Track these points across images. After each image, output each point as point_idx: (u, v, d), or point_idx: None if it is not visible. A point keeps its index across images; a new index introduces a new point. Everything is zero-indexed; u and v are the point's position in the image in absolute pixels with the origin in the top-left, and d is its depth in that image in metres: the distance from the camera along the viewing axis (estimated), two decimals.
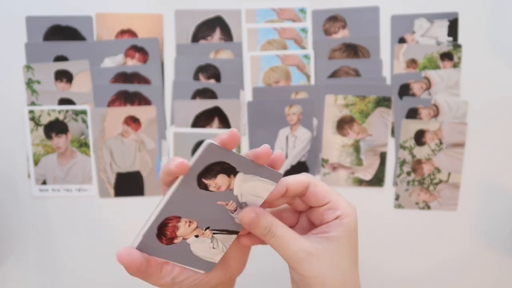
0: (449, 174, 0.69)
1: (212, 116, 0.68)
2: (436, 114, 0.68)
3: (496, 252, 0.69)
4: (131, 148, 0.68)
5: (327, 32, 0.68)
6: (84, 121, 0.67)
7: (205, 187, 0.30)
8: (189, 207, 0.30)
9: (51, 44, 0.67)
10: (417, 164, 0.69)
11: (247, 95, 0.68)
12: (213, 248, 0.33)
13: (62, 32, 0.67)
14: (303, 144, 0.68)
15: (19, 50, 0.66)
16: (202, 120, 0.68)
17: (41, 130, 0.67)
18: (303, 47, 0.68)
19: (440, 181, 0.69)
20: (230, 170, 0.30)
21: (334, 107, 0.68)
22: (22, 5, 0.66)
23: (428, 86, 0.68)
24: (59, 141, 0.68)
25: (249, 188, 0.31)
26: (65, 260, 0.69)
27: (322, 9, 0.68)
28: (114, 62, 0.67)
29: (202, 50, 0.68)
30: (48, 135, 0.67)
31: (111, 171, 0.68)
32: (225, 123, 0.68)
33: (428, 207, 0.69)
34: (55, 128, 0.67)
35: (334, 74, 0.68)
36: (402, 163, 0.69)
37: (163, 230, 0.30)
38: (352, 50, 0.68)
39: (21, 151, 0.68)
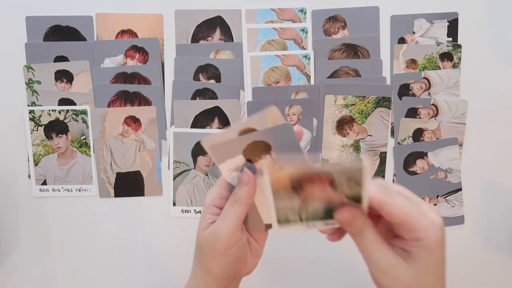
0: None
1: (212, 116, 0.68)
2: (435, 114, 0.68)
3: (496, 252, 0.70)
4: (131, 148, 0.68)
5: (327, 33, 0.68)
6: (85, 121, 0.67)
7: None
8: None
9: (51, 44, 0.67)
10: None
11: (247, 95, 0.68)
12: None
13: (62, 32, 0.67)
14: (303, 144, 0.68)
15: (19, 50, 0.66)
16: (202, 120, 0.68)
17: (41, 130, 0.67)
18: (303, 48, 0.68)
19: None
20: None
21: (333, 107, 0.68)
22: (22, 5, 0.66)
23: (428, 86, 0.68)
24: (60, 141, 0.68)
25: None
26: (65, 260, 0.69)
27: (322, 9, 0.68)
28: (114, 62, 0.67)
29: (202, 50, 0.68)
30: (48, 135, 0.67)
31: (111, 171, 0.68)
32: (225, 123, 0.68)
33: None
34: (56, 128, 0.67)
35: (334, 74, 0.68)
36: None
37: None
38: (352, 50, 0.68)
39: (21, 151, 0.68)
